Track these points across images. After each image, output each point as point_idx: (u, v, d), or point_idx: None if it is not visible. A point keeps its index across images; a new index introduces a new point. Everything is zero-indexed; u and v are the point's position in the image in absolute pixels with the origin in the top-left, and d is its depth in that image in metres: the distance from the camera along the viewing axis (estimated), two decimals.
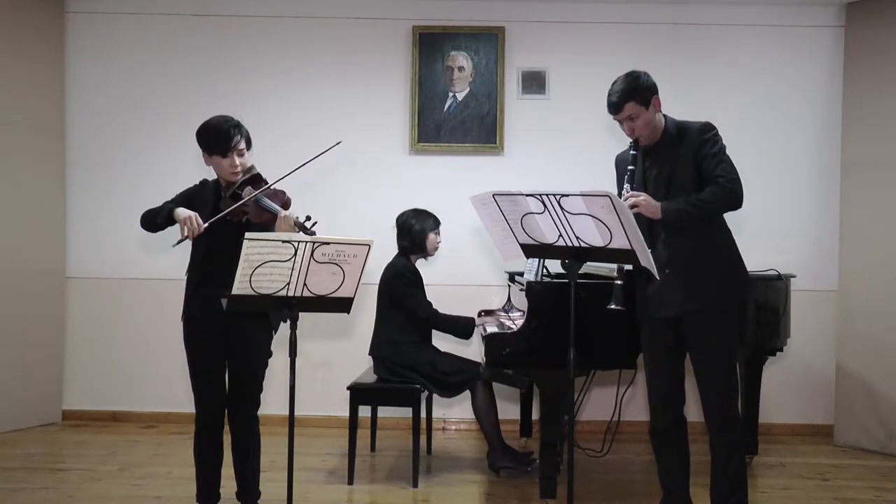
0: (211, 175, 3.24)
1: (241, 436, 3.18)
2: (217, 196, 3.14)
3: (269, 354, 3.20)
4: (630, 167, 2.96)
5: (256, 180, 3.08)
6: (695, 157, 2.92)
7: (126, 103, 5.11)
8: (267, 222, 3.04)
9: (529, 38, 5.06)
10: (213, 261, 3.03)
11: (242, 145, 3.07)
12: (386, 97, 5.07)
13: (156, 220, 3.08)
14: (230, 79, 5.08)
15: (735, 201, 2.90)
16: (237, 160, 3.06)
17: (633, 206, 2.82)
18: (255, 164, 3.17)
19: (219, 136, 3.04)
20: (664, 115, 3.03)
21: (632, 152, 2.99)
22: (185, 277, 3.16)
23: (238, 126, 3.08)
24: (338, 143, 3.04)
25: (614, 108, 2.98)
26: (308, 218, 3.02)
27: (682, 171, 2.93)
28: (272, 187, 3.09)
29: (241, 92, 5.03)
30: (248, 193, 3.02)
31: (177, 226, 3.02)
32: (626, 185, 2.92)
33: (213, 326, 3.05)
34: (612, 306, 2.85)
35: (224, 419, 3.20)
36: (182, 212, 2.98)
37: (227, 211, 2.98)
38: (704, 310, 2.92)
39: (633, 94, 2.94)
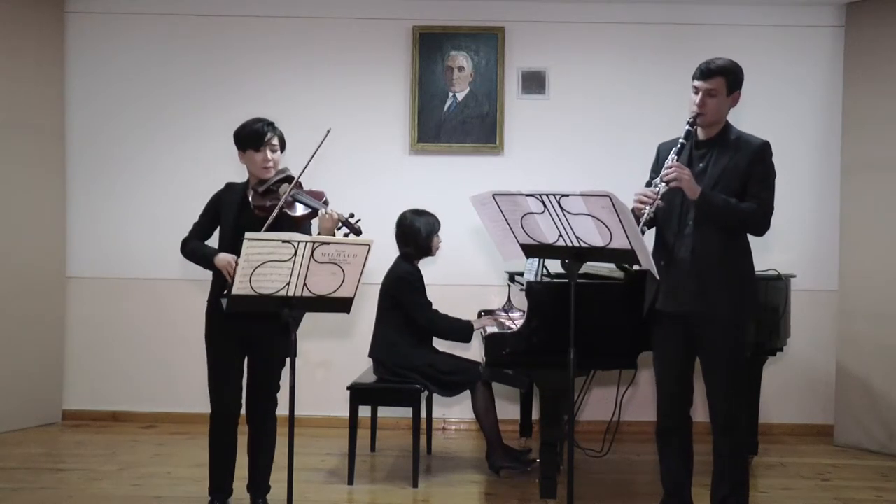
0: (231, 177, 3.31)
1: (258, 434, 3.26)
2: (244, 195, 3.23)
3: (287, 355, 3.21)
4: (682, 140, 2.93)
5: (292, 180, 3.16)
6: (747, 170, 2.92)
7: (126, 103, 5.10)
8: (303, 220, 3.15)
9: (529, 38, 5.06)
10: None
11: (276, 142, 3.20)
12: (386, 97, 5.07)
13: (195, 261, 3.23)
14: (230, 79, 5.08)
15: (762, 228, 2.94)
16: (269, 155, 3.18)
17: (675, 180, 2.82)
18: None
19: (253, 132, 3.18)
20: (727, 120, 3.02)
21: (687, 127, 2.94)
22: (212, 275, 3.23)
23: (272, 125, 3.22)
24: (329, 131, 3.08)
25: (707, 73, 2.95)
26: (352, 215, 3.15)
27: (731, 180, 2.91)
28: (310, 189, 3.21)
29: (240, 92, 5.03)
30: (285, 190, 3.11)
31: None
32: (673, 157, 2.90)
33: (235, 326, 3.09)
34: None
35: (239, 416, 3.27)
36: (221, 259, 3.08)
37: (279, 204, 3.07)
38: (715, 317, 2.92)
39: (729, 73, 2.96)
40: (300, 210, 3.13)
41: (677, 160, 2.90)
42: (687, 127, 2.95)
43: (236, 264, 2.95)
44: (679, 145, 2.94)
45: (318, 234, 3.10)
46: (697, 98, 2.95)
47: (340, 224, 3.15)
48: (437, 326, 3.99)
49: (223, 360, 3.21)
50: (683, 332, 3.00)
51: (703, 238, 2.93)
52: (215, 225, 3.27)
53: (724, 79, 2.94)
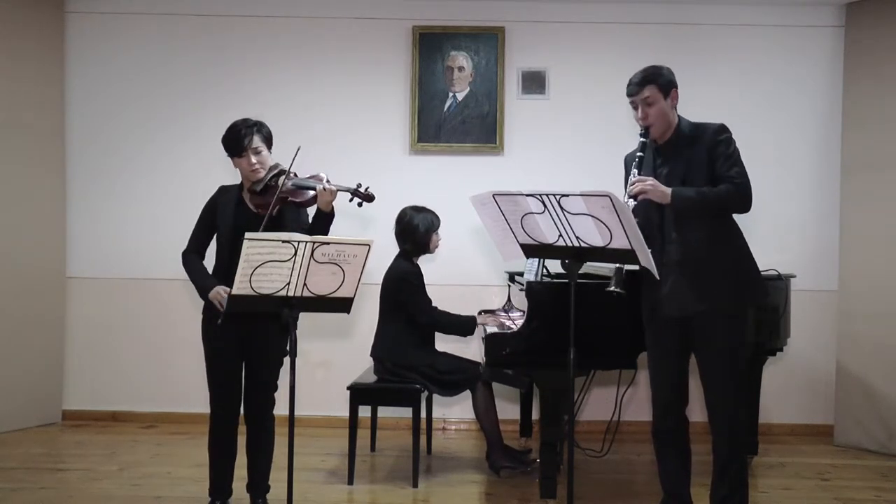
0: (231, 177, 3.35)
1: (256, 434, 3.26)
2: (239, 196, 3.23)
3: (285, 354, 3.23)
4: (639, 154, 2.95)
5: (285, 172, 3.15)
6: (709, 158, 2.91)
7: (126, 103, 5.11)
8: (309, 202, 3.15)
9: (529, 38, 5.06)
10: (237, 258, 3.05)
11: (257, 144, 3.16)
12: (386, 97, 5.07)
13: (192, 281, 3.22)
14: (230, 79, 5.08)
15: (745, 203, 2.91)
16: (254, 159, 3.15)
17: (640, 192, 2.82)
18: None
19: (234, 138, 3.17)
20: (679, 116, 3.03)
21: (641, 139, 2.96)
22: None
23: (253, 126, 3.18)
24: (298, 149, 3.09)
25: (634, 87, 2.97)
26: (360, 185, 3.17)
27: (696, 171, 2.91)
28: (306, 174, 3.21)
29: (240, 92, 5.03)
30: (283, 183, 3.10)
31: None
32: (634, 171, 2.91)
33: (232, 328, 3.08)
34: (612, 289, 2.82)
35: (239, 417, 3.27)
36: (212, 294, 3.11)
37: (277, 195, 3.07)
38: (715, 312, 2.91)
39: (655, 78, 2.96)
40: (309, 194, 3.12)
41: (639, 174, 2.91)
42: (641, 139, 2.96)
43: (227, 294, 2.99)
44: (637, 159, 2.95)
45: (318, 211, 3.12)
46: (639, 112, 2.98)
47: (351, 196, 3.15)
48: (438, 323, 3.99)
49: (221, 361, 3.20)
50: (679, 332, 3.00)
51: (689, 241, 2.92)
52: (213, 231, 3.25)
53: (653, 85, 2.95)
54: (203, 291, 3.15)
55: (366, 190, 3.17)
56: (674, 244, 2.95)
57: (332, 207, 3.13)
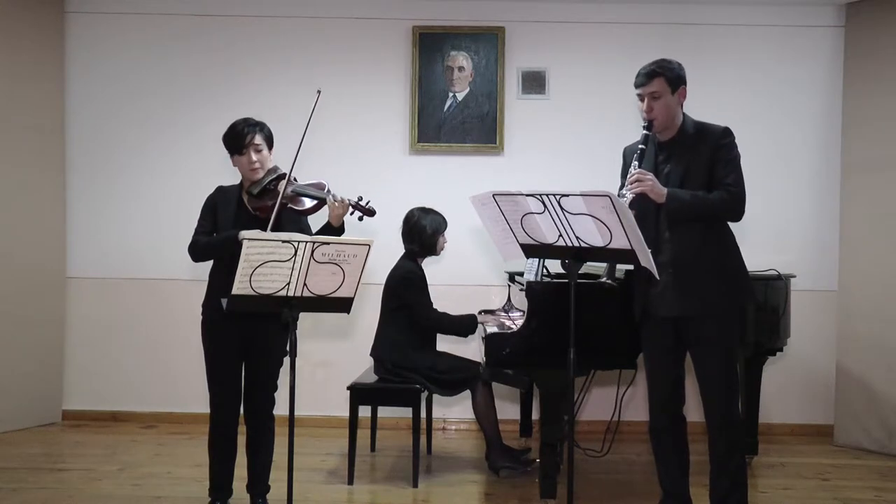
0: (231, 176, 3.32)
1: (256, 433, 3.26)
2: (238, 197, 3.22)
3: (285, 354, 3.24)
4: (641, 146, 2.93)
5: (286, 176, 3.15)
6: (710, 160, 2.91)
7: (126, 103, 5.11)
8: (309, 212, 3.15)
9: (529, 38, 5.06)
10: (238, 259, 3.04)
11: (258, 141, 3.16)
12: (386, 97, 5.08)
13: (216, 252, 3.16)
14: (230, 79, 5.08)
15: (737, 213, 2.92)
16: (254, 156, 3.15)
17: (636, 181, 2.81)
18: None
19: (234, 135, 3.17)
20: (684, 114, 3.02)
21: (644, 132, 2.94)
22: (208, 278, 3.25)
23: (255, 125, 3.19)
24: (319, 93, 3.12)
25: (644, 77, 2.95)
26: (360, 198, 3.16)
27: (697, 172, 2.91)
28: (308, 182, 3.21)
29: (240, 92, 5.03)
30: (283, 187, 3.09)
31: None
32: (635, 163, 2.90)
33: (232, 327, 3.09)
34: (604, 280, 2.81)
35: (239, 417, 3.27)
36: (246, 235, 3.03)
37: (278, 201, 3.06)
38: (707, 313, 2.91)
39: (666, 72, 2.94)
40: (308, 203, 3.13)
41: (639, 166, 2.90)
42: (644, 132, 2.95)
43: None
44: (639, 151, 2.94)
45: (329, 222, 3.11)
46: (644, 105, 2.96)
47: (352, 209, 3.15)
48: (440, 324, 4.00)
49: (221, 361, 3.20)
50: (673, 331, 3.00)
51: (682, 241, 2.93)
52: (216, 227, 3.24)
53: (662, 78, 2.93)
54: (231, 239, 3.00)
55: (367, 204, 3.17)
56: (667, 244, 2.95)
57: (343, 222, 3.13)
